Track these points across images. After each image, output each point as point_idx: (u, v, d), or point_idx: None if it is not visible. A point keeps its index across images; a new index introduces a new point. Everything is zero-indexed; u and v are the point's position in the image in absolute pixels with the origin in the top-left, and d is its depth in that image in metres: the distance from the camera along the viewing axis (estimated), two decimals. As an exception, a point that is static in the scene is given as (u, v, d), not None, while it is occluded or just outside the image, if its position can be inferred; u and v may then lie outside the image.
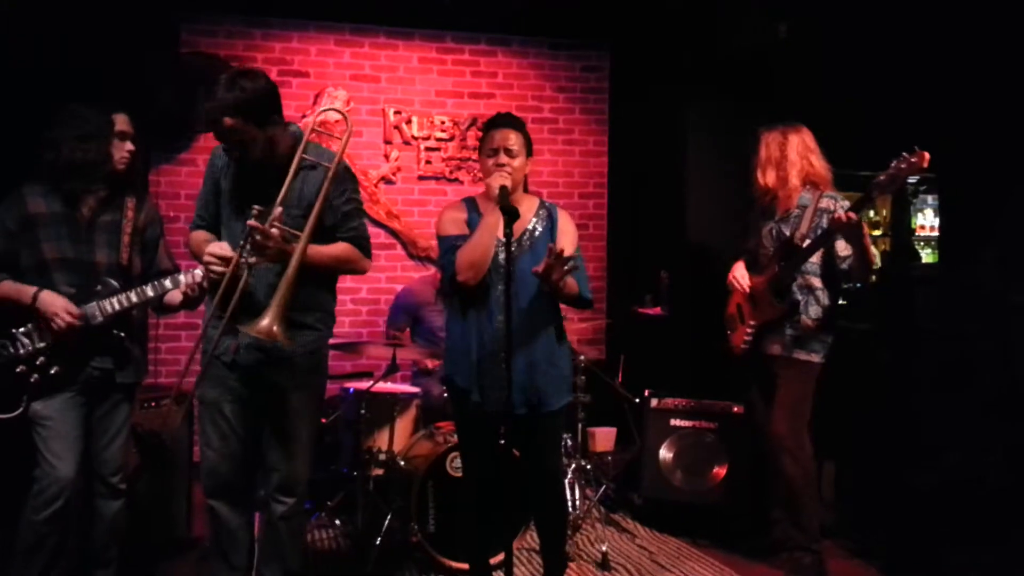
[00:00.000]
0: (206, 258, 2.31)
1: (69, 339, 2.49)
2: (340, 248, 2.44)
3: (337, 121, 4.66)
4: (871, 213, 6.16)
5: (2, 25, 3.66)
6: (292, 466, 2.44)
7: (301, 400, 2.46)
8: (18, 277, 2.53)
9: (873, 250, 3.04)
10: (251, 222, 2.21)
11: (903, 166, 2.75)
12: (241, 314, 2.30)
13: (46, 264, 2.53)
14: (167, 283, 2.54)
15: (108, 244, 2.59)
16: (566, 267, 2.38)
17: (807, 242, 3.06)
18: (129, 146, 2.64)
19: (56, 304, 2.47)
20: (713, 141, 4.81)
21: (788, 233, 3.14)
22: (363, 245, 2.50)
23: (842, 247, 3.06)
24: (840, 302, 3.25)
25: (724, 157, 4.63)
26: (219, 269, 2.29)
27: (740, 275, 3.28)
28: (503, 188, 2.41)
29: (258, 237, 2.22)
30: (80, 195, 2.57)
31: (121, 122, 2.62)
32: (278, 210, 2.25)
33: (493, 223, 2.45)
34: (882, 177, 2.81)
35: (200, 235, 2.48)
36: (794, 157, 3.15)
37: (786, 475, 3.13)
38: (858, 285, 3.78)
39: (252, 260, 2.26)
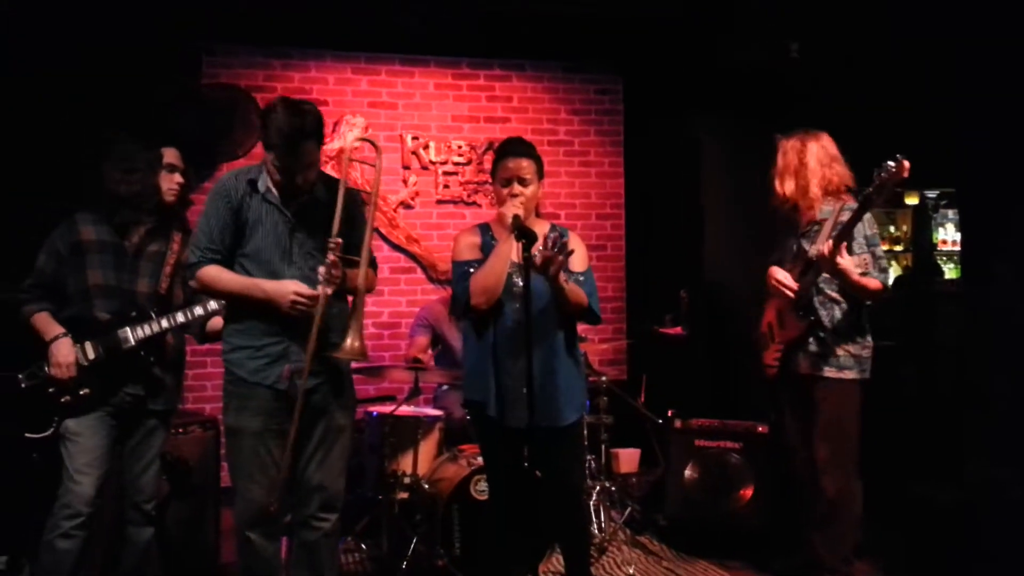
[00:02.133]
0: (292, 298, 2.32)
1: (61, 384, 2.56)
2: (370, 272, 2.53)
3: (357, 148, 4.73)
4: (891, 228, 6.15)
5: (30, 55, 3.76)
6: (336, 484, 2.49)
7: (346, 418, 2.53)
8: (63, 302, 2.62)
9: (868, 281, 2.89)
10: (332, 256, 2.32)
11: (884, 175, 2.69)
12: (294, 341, 2.39)
13: (88, 290, 2.61)
14: (197, 310, 2.60)
15: (151, 274, 2.67)
16: (561, 255, 2.41)
17: None
18: (178, 178, 2.72)
19: (60, 356, 2.55)
20: (728, 158, 4.83)
21: (807, 247, 3.05)
22: (375, 263, 2.60)
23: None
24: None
25: (740, 174, 4.64)
26: (308, 307, 2.33)
27: (783, 276, 3.06)
28: (516, 217, 2.47)
29: (334, 271, 2.33)
30: (129, 225, 2.64)
31: (170, 155, 2.72)
32: (339, 240, 2.34)
33: (506, 251, 2.53)
34: (871, 189, 2.75)
35: (219, 271, 2.40)
36: (814, 165, 3.02)
37: (826, 497, 2.99)
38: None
39: (329, 291, 2.34)
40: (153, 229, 2.67)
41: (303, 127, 2.29)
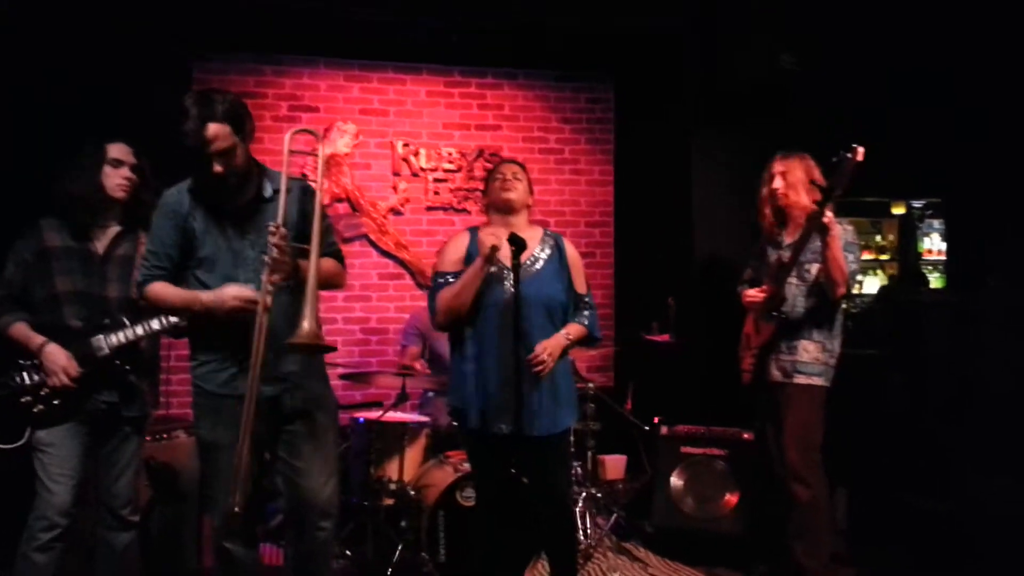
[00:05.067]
0: (232, 303, 2.25)
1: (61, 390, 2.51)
2: (330, 263, 2.48)
3: (347, 154, 4.76)
4: (877, 238, 6.19)
5: (21, 62, 3.76)
6: (328, 487, 2.43)
7: (326, 418, 2.48)
8: (31, 309, 2.58)
9: (843, 264, 3.01)
10: (274, 240, 2.22)
11: (844, 164, 2.86)
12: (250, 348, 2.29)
13: (57, 297, 2.56)
14: (173, 317, 2.56)
15: (120, 278, 2.62)
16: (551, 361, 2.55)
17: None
18: (125, 172, 2.61)
19: (58, 362, 2.50)
20: (718, 168, 4.84)
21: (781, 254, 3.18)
22: (341, 258, 2.56)
23: (815, 267, 3.10)
24: (847, 322, 3.25)
25: (730, 183, 4.66)
26: (249, 310, 2.24)
27: (751, 291, 3.27)
28: (494, 248, 2.51)
29: (276, 253, 2.22)
30: (90, 228, 2.61)
31: (115, 150, 2.62)
32: (283, 230, 2.25)
33: (474, 276, 2.56)
34: (835, 177, 2.91)
35: (163, 287, 2.35)
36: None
37: (799, 503, 3.09)
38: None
39: (275, 279, 2.24)
40: (121, 233, 2.63)
41: (200, 115, 2.23)
